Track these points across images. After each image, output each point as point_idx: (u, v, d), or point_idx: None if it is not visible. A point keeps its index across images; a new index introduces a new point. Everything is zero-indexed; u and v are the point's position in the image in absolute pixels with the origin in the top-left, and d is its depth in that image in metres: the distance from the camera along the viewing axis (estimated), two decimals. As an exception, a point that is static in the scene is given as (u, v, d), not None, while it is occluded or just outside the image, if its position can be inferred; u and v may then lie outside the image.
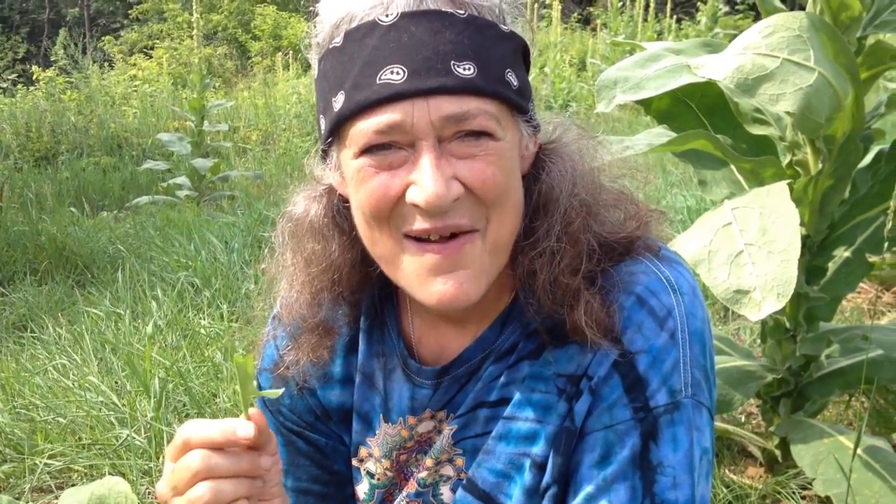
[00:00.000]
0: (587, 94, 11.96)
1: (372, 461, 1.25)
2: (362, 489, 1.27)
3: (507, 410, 1.12)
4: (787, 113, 2.01)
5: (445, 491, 1.19)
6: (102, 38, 21.63)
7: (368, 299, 1.22)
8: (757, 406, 3.04)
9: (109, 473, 2.77)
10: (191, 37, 12.22)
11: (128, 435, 2.97)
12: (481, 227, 1.01)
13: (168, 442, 2.92)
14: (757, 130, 2.36)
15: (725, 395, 2.44)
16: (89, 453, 2.97)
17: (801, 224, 2.26)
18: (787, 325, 2.49)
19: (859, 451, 2.20)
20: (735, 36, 2.02)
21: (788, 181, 2.11)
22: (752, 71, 1.87)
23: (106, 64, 16.20)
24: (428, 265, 1.01)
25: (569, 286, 1.05)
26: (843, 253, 2.48)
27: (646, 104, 2.59)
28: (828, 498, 2.18)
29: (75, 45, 15.64)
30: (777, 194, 1.95)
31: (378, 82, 0.95)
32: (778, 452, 2.63)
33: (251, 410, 0.97)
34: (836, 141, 2.14)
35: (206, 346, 3.77)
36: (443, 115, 0.95)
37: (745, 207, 1.95)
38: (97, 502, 1.91)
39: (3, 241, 5.74)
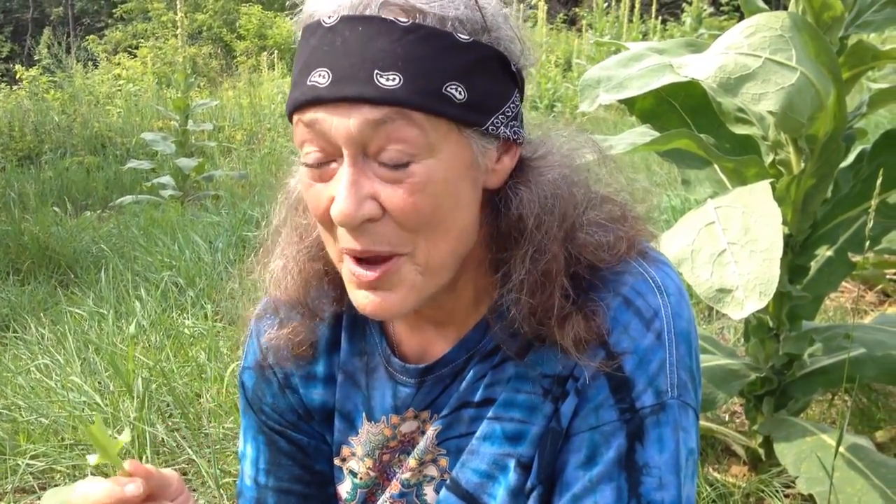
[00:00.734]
0: (573, 94, 11.95)
1: (355, 460, 1.25)
2: (344, 489, 1.27)
3: (492, 411, 1.12)
4: (770, 112, 2.02)
5: (429, 491, 1.18)
6: (86, 37, 21.51)
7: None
8: (740, 405, 3.06)
9: (92, 474, 2.75)
10: (175, 36, 12.17)
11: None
12: (408, 251, 0.99)
13: (151, 443, 2.91)
14: (740, 130, 2.37)
15: (709, 394, 2.44)
16: (72, 453, 2.95)
17: (784, 223, 2.27)
18: (770, 323, 2.50)
19: (842, 449, 2.21)
20: (719, 37, 2.03)
21: (771, 180, 2.12)
22: (735, 70, 1.87)
23: (90, 63, 16.12)
24: (356, 278, 1.00)
25: (548, 317, 1.03)
26: (825, 252, 2.50)
27: (629, 104, 2.60)
28: (811, 496, 2.19)
29: (59, 44, 15.57)
30: (759, 193, 1.96)
31: (308, 84, 0.94)
32: (761, 451, 2.64)
33: (126, 465, 0.96)
34: (819, 140, 2.15)
35: (190, 346, 3.76)
36: (361, 120, 0.92)
37: (727, 206, 1.96)
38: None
39: (-14, 241, 5.72)
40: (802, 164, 2.26)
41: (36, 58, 15.81)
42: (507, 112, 1.01)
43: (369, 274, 0.99)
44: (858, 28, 2.22)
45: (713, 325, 3.82)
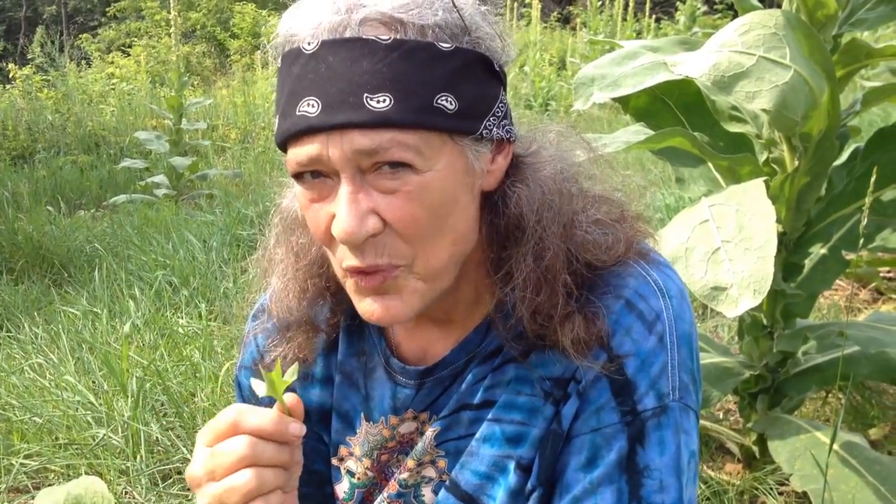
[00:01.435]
0: (567, 93, 11.95)
1: (353, 460, 1.25)
2: (342, 488, 1.27)
3: (492, 413, 1.12)
4: (764, 110, 2.02)
5: (427, 492, 1.18)
6: (80, 35, 21.47)
7: (349, 300, 1.21)
8: (734, 403, 3.06)
9: (86, 473, 2.75)
10: (169, 35, 12.14)
11: (105, 434, 2.95)
12: (406, 263, 0.99)
13: (145, 441, 2.91)
14: (734, 128, 2.37)
15: (703, 392, 2.44)
16: (66, 453, 2.95)
17: (778, 221, 2.27)
18: (765, 321, 2.50)
19: (836, 446, 2.22)
20: (712, 35, 2.03)
21: (765, 178, 2.12)
22: (729, 68, 1.87)
23: (83, 62, 16.10)
24: (360, 286, 1.01)
25: (550, 317, 1.04)
26: (819, 250, 2.50)
27: (624, 102, 2.60)
28: (805, 493, 2.20)
29: (52, 42, 15.53)
30: (754, 192, 1.96)
31: (297, 114, 0.94)
32: (755, 449, 2.64)
33: (288, 397, 0.98)
34: (812, 138, 2.15)
35: (185, 345, 3.76)
36: (355, 148, 0.92)
37: (722, 205, 1.96)
38: (74, 502, 1.91)
39: (-21, 241, 5.70)
40: (796, 162, 2.26)
41: (29, 56, 15.77)
42: (497, 112, 1.01)
43: (372, 279, 0.99)
44: (852, 26, 2.22)
45: (707, 324, 3.83)
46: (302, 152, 0.95)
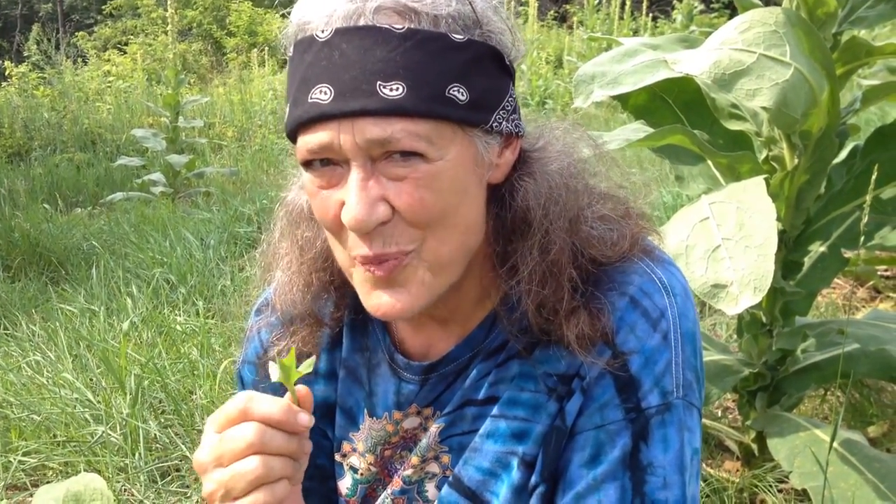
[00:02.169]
0: (564, 91, 11.97)
1: (355, 456, 1.24)
2: (345, 484, 1.27)
3: (496, 409, 1.12)
4: (764, 108, 2.02)
5: (430, 488, 1.18)
6: (76, 33, 21.45)
7: (353, 294, 1.21)
8: (733, 400, 3.06)
9: (85, 470, 2.74)
10: (165, 32, 12.13)
11: (103, 432, 2.95)
12: (415, 248, 0.99)
13: (144, 438, 2.90)
14: (733, 126, 2.37)
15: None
16: (64, 450, 2.95)
17: (778, 219, 2.27)
18: (764, 319, 2.50)
19: (835, 444, 2.22)
20: (711, 34, 2.03)
21: (765, 176, 2.12)
22: (729, 66, 1.87)
23: (79, 60, 16.07)
24: (369, 279, 1.01)
25: (556, 311, 1.04)
26: (818, 248, 2.50)
27: (623, 99, 2.60)
28: (804, 491, 2.20)
29: (48, 40, 15.51)
30: (754, 189, 1.96)
31: (309, 101, 0.94)
32: (754, 446, 2.64)
33: (298, 389, 0.98)
34: (812, 136, 2.15)
35: (183, 343, 3.76)
36: (366, 137, 0.92)
37: (722, 202, 1.96)
38: (72, 499, 1.90)
39: (-24, 238, 5.70)
40: (796, 160, 2.26)
41: (25, 54, 15.74)
42: (507, 106, 1.02)
43: (381, 268, 0.99)
44: (852, 24, 2.22)
45: (706, 321, 3.83)
46: (313, 139, 0.95)
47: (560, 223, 1.04)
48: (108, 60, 15.98)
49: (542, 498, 1.08)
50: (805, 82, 1.91)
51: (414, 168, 0.94)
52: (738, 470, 2.65)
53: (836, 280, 4.04)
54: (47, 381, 3.42)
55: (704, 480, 2.50)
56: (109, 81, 13.48)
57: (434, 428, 1.17)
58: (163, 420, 3.12)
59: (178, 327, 3.95)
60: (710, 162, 2.53)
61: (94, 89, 12.79)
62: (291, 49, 0.99)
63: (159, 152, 7.92)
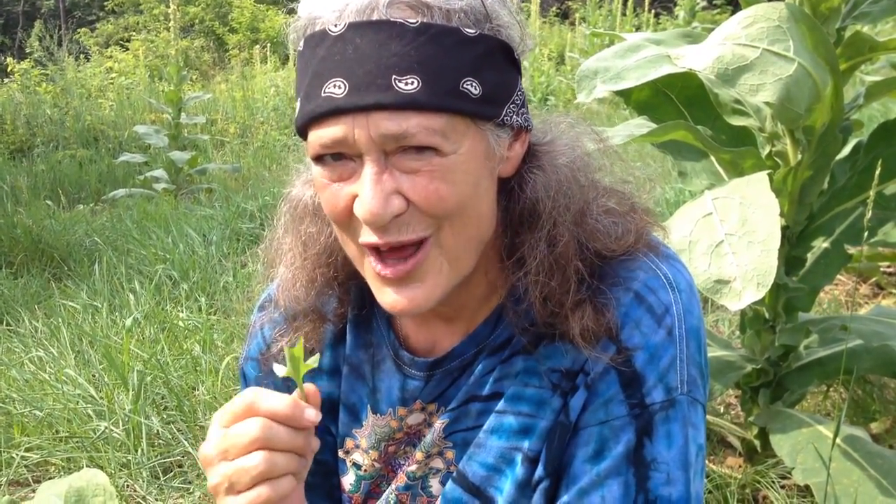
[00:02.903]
0: (566, 87, 11.96)
1: (359, 452, 1.24)
2: (348, 480, 1.26)
3: (500, 405, 1.12)
4: (767, 103, 2.01)
5: (434, 483, 1.18)
6: (78, 30, 21.43)
7: (357, 290, 1.21)
8: (736, 397, 3.06)
9: (87, 466, 2.74)
10: (167, 29, 12.13)
11: (105, 427, 2.95)
12: (432, 233, 0.99)
13: (146, 434, 2.91)
14: (736, 121, 2.36)
15: (705, 386, 2.44)
16: (67, 446, 2.95)
17: (781, 215, 2.26)
18: (767, 315, 2.50)
19: (838, 440, 2.22)
20: (713, 30, 2.03)
21: (768, 172, 2.12)
22: (732, 61, 1.87)
23: (82, 56, 16.07)
24: (383, 275, 1.01)
25: (561, 304, 1.04)
26: (821, 244, 2.50)
27: (626, 95, 2.60)
28: (807, 487, 2.19)
29: (50, 37, 15.52)
30: (757, 185, 1.96)
31: (322, 95, 0.94)
32: (757, 442, 2.64)
33: (306, 386, 0.98)
34: (816, 132, 2.15)
35: (185, 339, 3.76)
36: (381, 132, 0.92)
37: (725, 198, 1.96)
38: (75, 495, 1.90)
39: (-22, 235, 5.70)
40: (799, 156, 2.26)
41: (27, 51, 15.76)
42: (517, 100, 1.02)
43: (400, 267, 0.99)
44: (855, 19, 2.22)
45: (708, 317, 3.82)
46: (326, 134, 0.95)
47: (568, 216, 1.05)
48: (111, 57, 15.97)
49: (545, 493, 1.08)
50: (808, 78, 1.90)
51: (427, 161, 0.95)
52: (740, 466, 2.65)
53: (838, 276, 4.03)
54: (50, 378, 3.43)
55: (707, 476, 2.50)
56: (112, 78, 13.49)
57: (438, 424, 1.16)
58: (165, 416, 3.12)
59: (180, 323, 3.95)
60: (713, 157, 2.52)
61: (97, 86, 12.80)
62: (301, 44, 0.99)
63: (162, 149, 7.92)
